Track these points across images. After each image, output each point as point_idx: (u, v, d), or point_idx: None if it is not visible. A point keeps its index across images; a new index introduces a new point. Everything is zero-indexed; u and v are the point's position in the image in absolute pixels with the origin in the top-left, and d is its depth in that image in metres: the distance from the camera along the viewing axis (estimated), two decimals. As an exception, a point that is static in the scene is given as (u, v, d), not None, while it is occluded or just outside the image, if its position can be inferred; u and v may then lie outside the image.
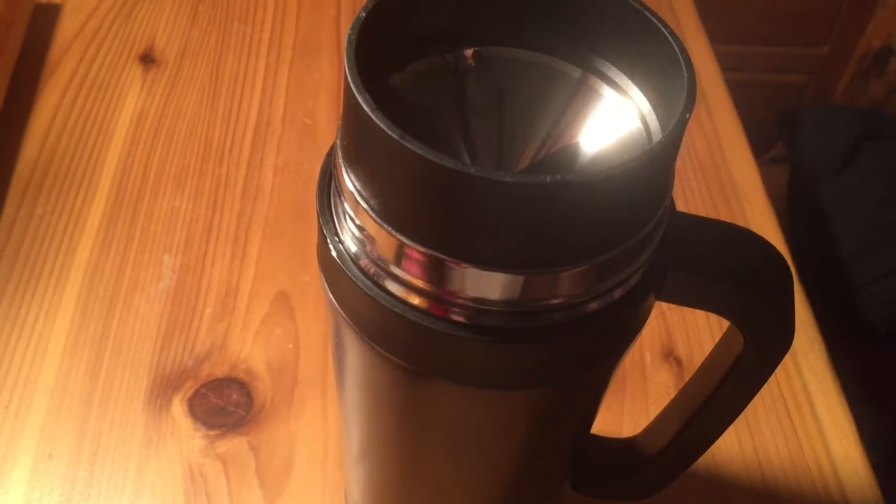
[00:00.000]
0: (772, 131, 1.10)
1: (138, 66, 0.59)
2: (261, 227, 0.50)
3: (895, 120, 1.00)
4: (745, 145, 0.59)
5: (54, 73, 0.58)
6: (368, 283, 0.23)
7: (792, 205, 0.95)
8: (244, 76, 0.59)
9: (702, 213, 0.54)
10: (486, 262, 0.21)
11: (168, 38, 0.61)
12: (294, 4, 0.65)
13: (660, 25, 0.23)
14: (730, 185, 0.56)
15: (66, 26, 0.61)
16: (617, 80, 0.25)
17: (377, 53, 0.23)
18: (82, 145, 0.54)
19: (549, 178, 0.19)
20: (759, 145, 0.60)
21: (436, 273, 0.22)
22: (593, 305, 0.23)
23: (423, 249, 0.21)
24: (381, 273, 0.23)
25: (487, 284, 0.22)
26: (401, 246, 0.22)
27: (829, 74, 1.28)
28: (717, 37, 0.67)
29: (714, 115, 0.60)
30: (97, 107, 0.56)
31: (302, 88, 0.59)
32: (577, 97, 0.26)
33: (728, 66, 0.65)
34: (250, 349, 0.45)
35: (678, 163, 0.53)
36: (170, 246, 0.49)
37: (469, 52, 0.26)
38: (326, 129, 0.56)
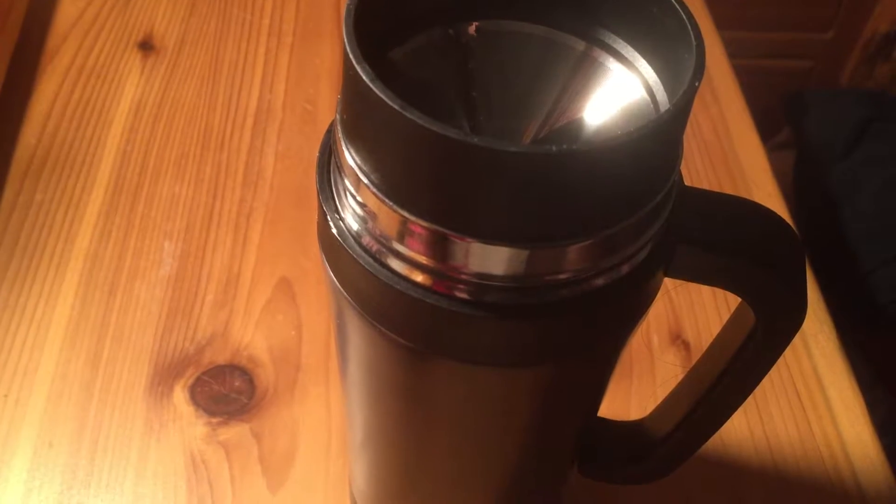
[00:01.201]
0: (777, 117, 1.10)
1: (137, 53, 0.59)
2: (262, 213, 0.50)
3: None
4: (751, 128, 0.58)
5: (53, 60, 0.57)
6: (370, 260, 0.23)
7: (798, 189, 0.95)
8: (244, 62, 0.59)
9: (708, 195, 0.53)
10: (490, 236, 0.21)
11: (167, 25, 0.61)
12: (294, -10, 0.64)
13: (667, -7, 0.22)
14: (736, 168, 0.55)
15: (65, 13, 0.60)
16: (622, 52, 0.25)
17: (377, 27, 0.23)
18: (81, 132, 0.53)
19: (555, 148, 0.19)
20: (765, 131, 0.60)
21: (439, 248, 0.21)
22: (600, 281, 0.22)
23: (425, 224, 0.21)
24: (384, 250, 0.22)
25: (491, 259, 0.21)
26: (403, 221, 0.21)
27: (834, 60, 1.27)
28: (722, 23, 0.66)
29: (720, 98, 0.60)
30: (96, 94, 0.56)
31: (303, 74, 0.58)
32: (581, 70, 0.25)
33: (733, 53, 0.64)
34: (252, 336, 0.44)
35: (684, 146, 0.53)
36: (170, 233, 0.49)
37: (471, 25, 0.25)
38: (327, 115, 0.56)
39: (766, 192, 0.54)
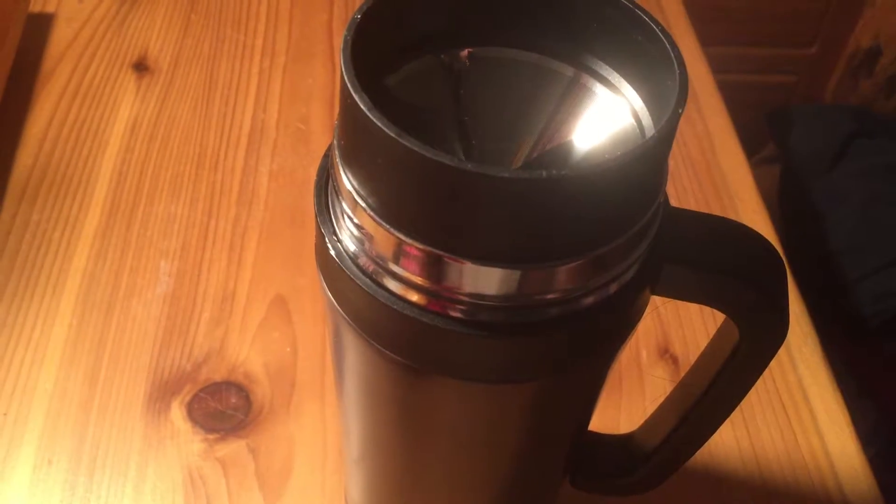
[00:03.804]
0: (762, 132, 1.11)
1: (132, 74, 0.59)
2: (257, 231, 0.51)
3: (885, 118, 1.01)
4: (736, 144, 0.59)
5: (48, 82, 0.58)
6: (367, 280, 0.23)
7: (783, 203, 0.96)
8: (238, 82, 0.59)
9: (695, 211, 0.54)
10: (484, 258, 0.21)
11: (161, 46, 0.62)
12: (286, 10, 0.65)
13: (651, 23, 0.23)
14: (722, 184, 0.56)
15: (60, 35, 0.61)
16: (609, 78, 0.26)
17: (373, 54, 0.23)
18: (77, 153, 0.54)
19: (545, 173, 0.19)
20: (749, 146, 0.61)
21: (434, 269, 0.22)
22: (589, 300, 0.23)
23: (421, 246, 0.22)
24: (380, 271, 0.23)
25: (485, 280, 0.22)
26: (399, 243, 0.22)
27: (818, 75, 1.29)
28: (706, 39, 0.68)
29: (705, 115, 0.61)
30: (92, 115, 0.56)
31: (295, 94, 0.59)
32: (570, 95, 0.26)
33: (717, 68, 0.66)
34: (248, 353, 0.45)
35: (671, 163, 0.54)
36: (166, 252, 0.49)
37: (463, 52, 0.26)
38: (321, 134, 0.56)
39: (751, 207, 0.55)
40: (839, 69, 1.27)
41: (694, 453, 0.33)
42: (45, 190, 0.52)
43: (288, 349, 0.45)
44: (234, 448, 0.42)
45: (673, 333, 0.47)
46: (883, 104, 1.22)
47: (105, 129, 0.56)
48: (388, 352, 0.24)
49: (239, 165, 0.54)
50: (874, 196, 0.84)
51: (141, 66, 0.60)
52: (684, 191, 0.55)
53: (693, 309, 0.48)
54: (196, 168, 0.54)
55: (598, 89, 0.26)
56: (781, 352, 0.46)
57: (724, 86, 0.64)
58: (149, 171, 0.53)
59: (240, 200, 0.52)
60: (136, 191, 0.52)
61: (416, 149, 0.20)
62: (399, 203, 0.22)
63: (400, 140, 0.20)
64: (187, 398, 0.43)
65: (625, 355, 0.45)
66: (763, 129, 1.08)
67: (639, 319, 0.26)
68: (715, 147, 0.59)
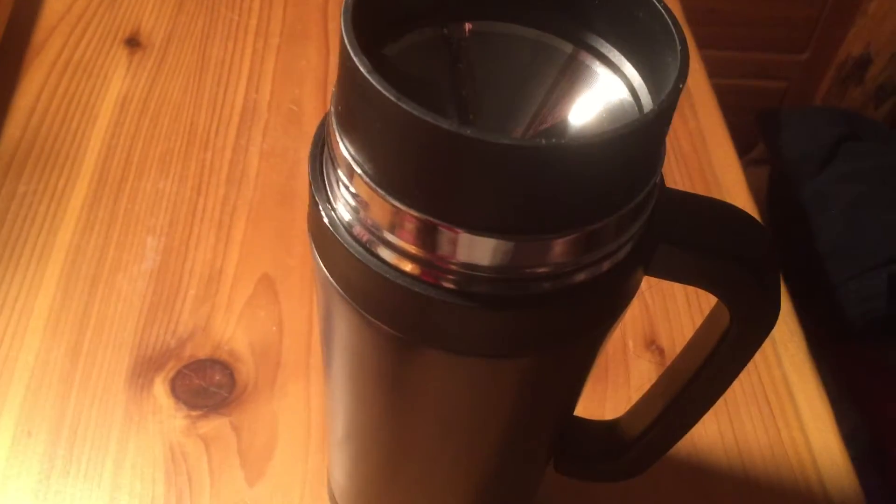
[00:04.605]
0: (752, 134, 1.11)
1: (124, 49, 0.59)
2: (245, 210, 0.50)
3: (874, 122, 1.02)
4: (728, 143, 0.59)
5: (39, 54, 0.57)
6: (360, 249, 0.23)
7: (772, 204, 0.96)
8: (231, 62, 0.59)
9: (685, 206, 0.54)
10: (478, 227, 0.21)
11: (154, 22, 0.61)
12: (282, -8, 0.65)
13: (653, -1, 0.23)
14: (713, 181, 0.56)
15: (52, 7, 0.61)
16: (608, 55, 0.25)
17: (372, 23, 0.23)
18: (66, 126, 0.53)
19: (543, 141, 0.19)
20: (740, 147, 0.61)
21: (428, 238, 0.22)
22: (582, 276, 0.23)
23: (416, 214, 0.21)
24: (374, 239, 0.23)
25: (478, 250, 0.22)
26: (394, 211, 0.22)
27: (808, 81, 1.29)
28: (700, 42, 0.68)
29: (698, 112, 0.61)
30: (82, 89, 0.56)
31: (289, 75, 0.59)
32: (568, 72, 0.26)
33: (709, 72, 0.66)
34: (234, 331, 0.45)
35: (662, 157, 0.54)
36: (153, 228, 0.49)
37: (463, 25, 0.26)
38: (313, 116, 0.56)
39: (740, 203, 0.55)
40: (829, 76, 1.27)
41: (679, 439, 0.33)
42: (32, 162, 0.51)
43: (274, 328, 0.45)
44: (217, 425, 0.41)
45: (660, 325, 0.47)
46: (872, 113, 1.22)
47: (95, 103, 0.55)
48: (378, 322, 0.24)
49: (229, 144, 0.54)
50: (861, 199, 0.85)
51: (133, 42, 0.59)
52: (675, 185, 0.55)
53: (680, 301, 0.48)
54: (186, 145, 0.53)
55: (598, 67, 0.26)
56: (767, 347, 0.46)
57: (716, 89, 0.64)
58: (138, 146, 0.53)
59: (229, 179, 0.52)
60: (125, 166, 0.52)
61: (414, 112, 0.19)
62: (395, 170, 0.21)
63: (399, 103, 0.19)
64: (171, 374, 0.43)
65: (611, 345, 0.45)
66: (753, 132, 1.09)
67: (631, 299, 0.26)
68: (707, 144, 0.59)
